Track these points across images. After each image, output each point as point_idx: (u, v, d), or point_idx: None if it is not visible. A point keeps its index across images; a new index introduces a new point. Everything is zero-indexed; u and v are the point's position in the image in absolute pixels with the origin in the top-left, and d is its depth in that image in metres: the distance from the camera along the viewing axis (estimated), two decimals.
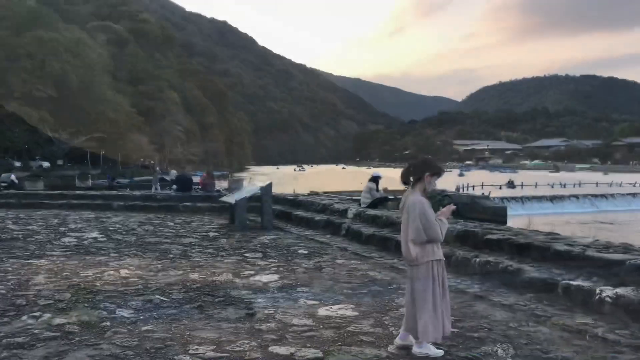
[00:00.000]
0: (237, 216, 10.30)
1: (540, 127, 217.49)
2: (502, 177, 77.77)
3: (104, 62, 78.97)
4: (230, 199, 10.87)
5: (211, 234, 9.78)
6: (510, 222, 33.99)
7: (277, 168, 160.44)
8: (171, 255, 7.43)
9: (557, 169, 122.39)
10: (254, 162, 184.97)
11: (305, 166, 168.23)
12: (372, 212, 9.38)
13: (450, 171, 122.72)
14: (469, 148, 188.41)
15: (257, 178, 61.94)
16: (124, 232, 9.81)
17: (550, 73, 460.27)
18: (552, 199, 41.05)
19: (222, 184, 28.78)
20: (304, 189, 41.58)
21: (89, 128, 66.36)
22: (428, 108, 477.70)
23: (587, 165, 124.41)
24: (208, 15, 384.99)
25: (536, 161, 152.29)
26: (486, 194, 40.73)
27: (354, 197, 34.45)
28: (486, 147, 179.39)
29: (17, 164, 59.23)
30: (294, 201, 12.66)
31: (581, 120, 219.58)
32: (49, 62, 61.81)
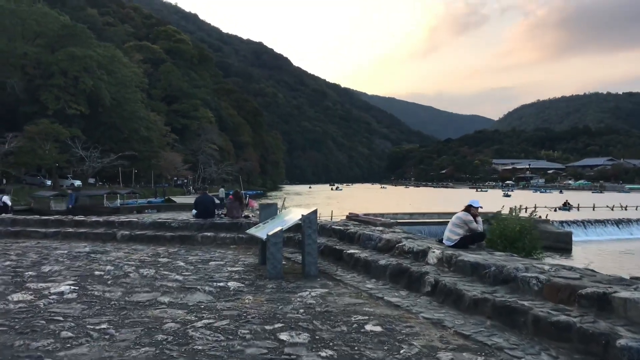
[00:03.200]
0: (268, 257, 7.37)
1: (582, 146, 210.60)
2: (551, 198, 73.16)
3: (139, 79, 78.07)
4: (261, 232, 7.94)
5: (232, 284, 6.85)
6: (576, 249, 30.11)
7: (310, 187, 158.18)
8: (160, 336, 4.47)
9: (602, 190, 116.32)
10: (287, 181, 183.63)
11: (341, 185, 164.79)
12: (470, 256, 6.24)
13: (486, 191, 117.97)
14: (508, 167, 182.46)
15: (290, 198, 59.41)
16: (109, 281, 6.93)
17: (591, 91, 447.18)
18: (618, 222, 36.90)
19: (254, 205, 26.04)
20: (343, 211, 38.65)
21: (121, 146, 65.01)
22: (463, 127, 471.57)
23: (639, 186, 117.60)
24: (244, 36, 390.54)
25: (581, 181, 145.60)
26: (543, 217, 37.03)
27: (398, 221, 31.24)
28: (527, 167, 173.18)
29: (48, 182, 58.14)
30: (344, 233, 9.65)
31: (625, 139, 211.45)
32: (82, 78, 60.80)
